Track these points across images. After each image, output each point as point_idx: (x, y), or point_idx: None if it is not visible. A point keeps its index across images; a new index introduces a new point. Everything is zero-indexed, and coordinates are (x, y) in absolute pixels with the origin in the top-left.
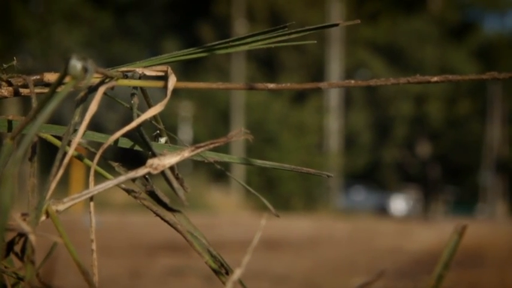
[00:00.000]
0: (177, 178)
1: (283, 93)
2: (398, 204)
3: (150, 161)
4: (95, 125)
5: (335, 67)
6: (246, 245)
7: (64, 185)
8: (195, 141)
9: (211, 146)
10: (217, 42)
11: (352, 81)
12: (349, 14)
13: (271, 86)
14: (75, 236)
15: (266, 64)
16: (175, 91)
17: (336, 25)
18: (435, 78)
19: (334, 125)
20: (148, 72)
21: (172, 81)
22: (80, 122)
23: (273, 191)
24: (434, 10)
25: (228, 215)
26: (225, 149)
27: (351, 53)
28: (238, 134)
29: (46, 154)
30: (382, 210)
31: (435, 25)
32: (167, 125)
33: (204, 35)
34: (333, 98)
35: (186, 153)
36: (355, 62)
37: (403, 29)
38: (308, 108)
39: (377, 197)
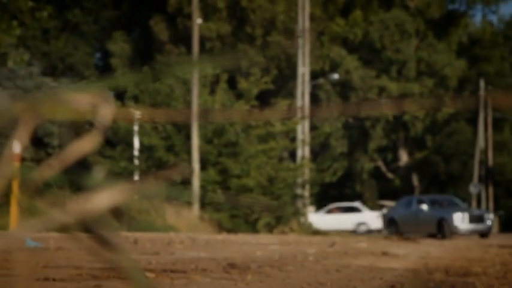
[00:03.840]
0: (117, 213)
1: (247, 96)
2: (461, 220)
3: (81, 200)
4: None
5: (305, 67)
6: (202, 265)
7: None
8: (149, 153)
9: (154, 180)
10: (161, 65)
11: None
12: (318, 8)
13: (219, 116)
14: (14, 256)
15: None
16: (128, 96)
17: (300, 35)
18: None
19: (303, 131)
20: (81, 101)
21: (106, 112)
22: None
23: (235, 206)
24: (415, 1)
25: (183, 233)
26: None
27: (322, 51)
28: (183, 170)
29: None
30: (441, 226)
31: (415, 17)
32: (118, 136)
33: (158, 33)
34: (303, 101)
35: (125, 192)
36: (327, 61)
37: (379, 22)
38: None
39: (439, 212)
